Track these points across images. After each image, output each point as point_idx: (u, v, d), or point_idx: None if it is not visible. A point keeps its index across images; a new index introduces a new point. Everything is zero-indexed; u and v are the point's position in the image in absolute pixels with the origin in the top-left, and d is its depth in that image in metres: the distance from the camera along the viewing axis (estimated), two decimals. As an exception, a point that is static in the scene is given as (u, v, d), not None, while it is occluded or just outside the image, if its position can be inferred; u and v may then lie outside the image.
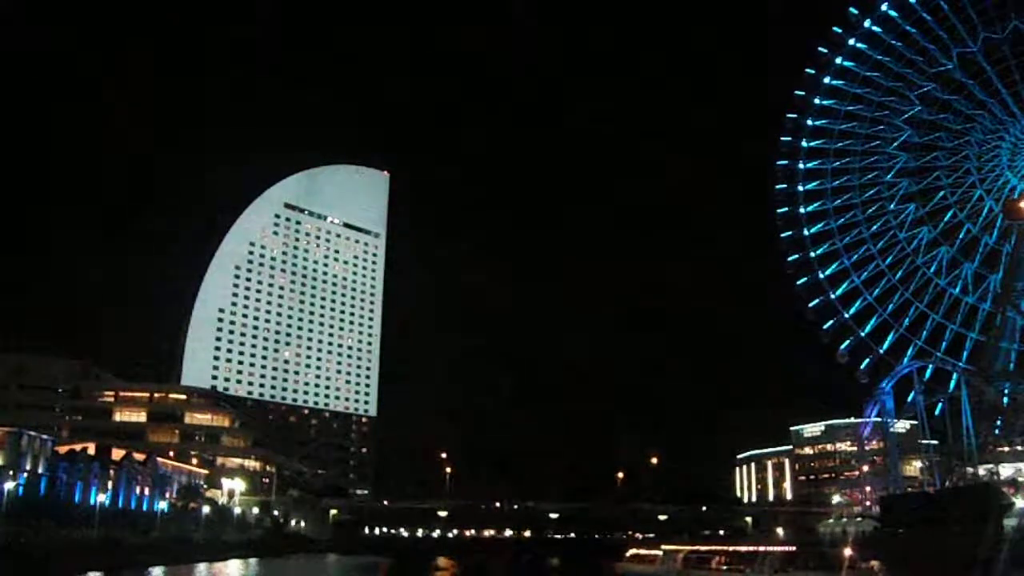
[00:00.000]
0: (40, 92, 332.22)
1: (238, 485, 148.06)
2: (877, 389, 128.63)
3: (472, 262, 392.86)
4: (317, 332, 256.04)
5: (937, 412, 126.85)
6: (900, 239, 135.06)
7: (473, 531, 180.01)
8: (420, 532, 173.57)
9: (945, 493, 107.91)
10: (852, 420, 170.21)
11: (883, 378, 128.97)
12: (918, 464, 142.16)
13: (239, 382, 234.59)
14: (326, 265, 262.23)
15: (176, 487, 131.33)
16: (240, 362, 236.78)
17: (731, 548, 79.60)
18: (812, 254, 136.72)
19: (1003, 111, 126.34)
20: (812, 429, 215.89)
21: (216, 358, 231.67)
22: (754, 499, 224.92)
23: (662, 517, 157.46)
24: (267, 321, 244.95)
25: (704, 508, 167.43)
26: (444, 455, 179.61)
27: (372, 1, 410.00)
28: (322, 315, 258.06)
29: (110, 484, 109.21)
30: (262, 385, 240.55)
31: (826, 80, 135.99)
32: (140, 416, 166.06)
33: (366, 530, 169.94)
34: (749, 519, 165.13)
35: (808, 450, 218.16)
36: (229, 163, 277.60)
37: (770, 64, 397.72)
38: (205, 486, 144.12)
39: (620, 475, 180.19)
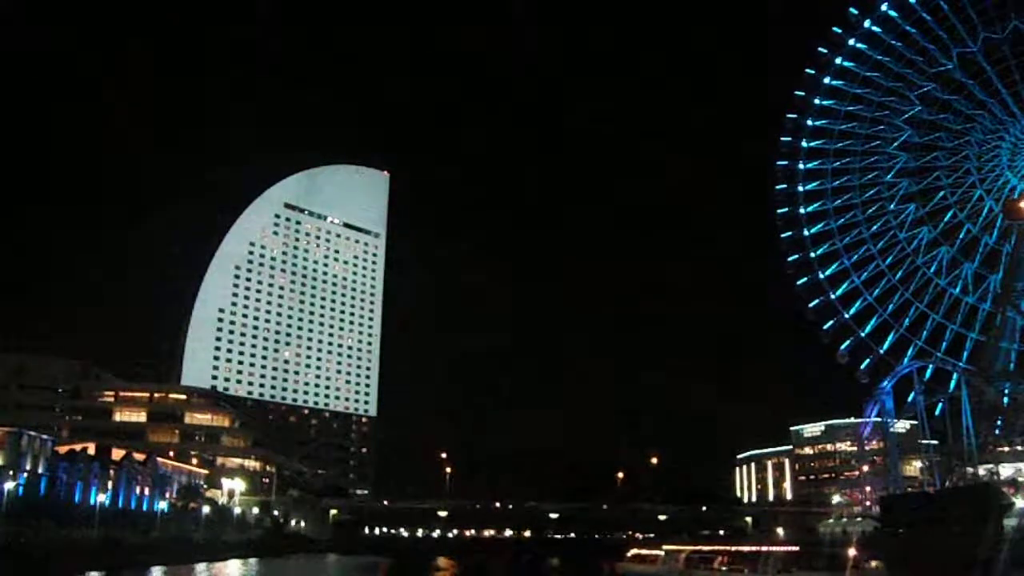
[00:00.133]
0: (40, 92, 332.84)
1: (238, 485, 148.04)
2: (877, 389, 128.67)
3: (472, 262, 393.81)
4: (317, 332, 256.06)
5: (937, 412, 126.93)
6: (900, 239, 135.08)
7: (473, 531, 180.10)
8: (420, 532, 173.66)
9: (945, 493, 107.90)
10: (852, 420, 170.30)
11: (883, 378, 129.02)
12: (918, 464, 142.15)
13: (239, 382, 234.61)
14: (326, 265, 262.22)
15: (176, 487, 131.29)
16: (240, 362, 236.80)
17: (734, 548, 79.34)
18: (812, 254, 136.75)
19: (1003, 111, 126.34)
20: (812, 429, 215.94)
21: (216, 358, 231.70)
22: (754, 499, 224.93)
23: (662, 517, 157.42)
24: (267, 321, 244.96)
25: (704, 508, 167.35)
26: (444, 455, 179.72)
27: (372, 1, 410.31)
28: (322, 315, 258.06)
29: (110, 484, 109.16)
30: (262, 385, 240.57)
31: (826, 80, 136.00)
32: (140, 416, 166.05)
33: (366, 530, 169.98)
34: (749, 519, 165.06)
35: (808, 450, 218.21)
36: (229, 163, 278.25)
37: (770, 64, 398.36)
38: (205, 486, 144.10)
39: (620, 475, 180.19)
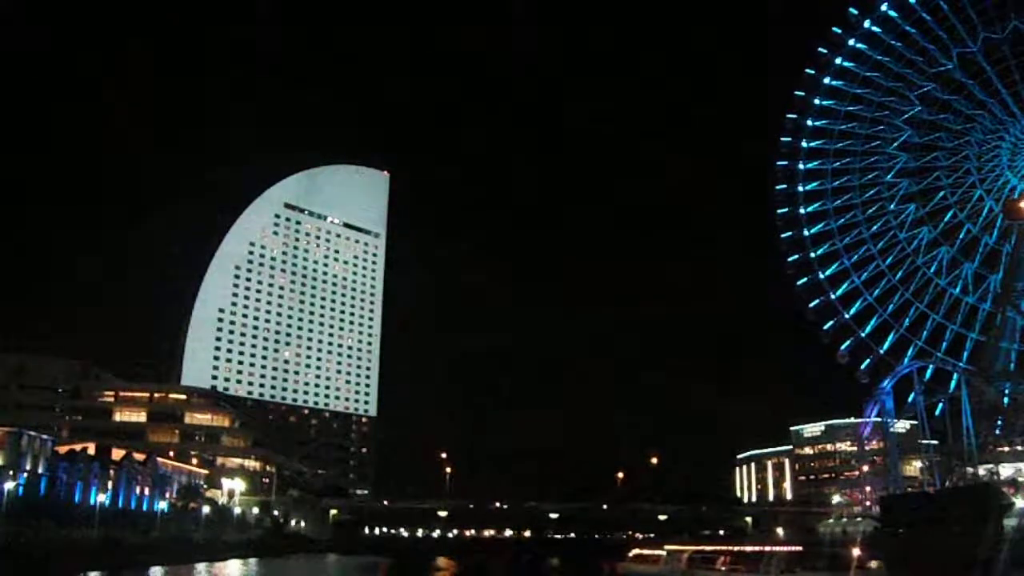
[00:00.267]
0: (40, 92, 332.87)
1: (238, 485, 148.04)
2: (877, 389, 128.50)
3: (472, 262, 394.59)
4: (317, 332, 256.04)
5: (937, 412, 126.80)
6: (900, 239, 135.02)
7: (473, 531, 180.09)
8: (420, 532, 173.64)
9: (945, 493, 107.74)
10: (852, 420, 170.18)
11: (883, 378, 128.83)
12: (918, 464, 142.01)
13: (239, 382, 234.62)
14: (326, 265, 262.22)
15: (176, 487, 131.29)
16: (240, 362, 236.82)
17: (736, 548, 79.14)
18: (812, 254, 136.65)
19: (1003, 111, 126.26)
20: (812, 429, 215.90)
21: (216, 358, 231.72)
22: (754, 499, 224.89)
23: (662, 517, 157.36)
24: (267, 321, 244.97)
25: (704, 508, 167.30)
26: (444, 455, 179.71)
27: (372, 1, 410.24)
28: (322, 315, 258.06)
29: (110, 484, 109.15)
30: (262, 385, 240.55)
31: (826, 80, 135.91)
32: (140, 416, 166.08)
33: (366, 530, 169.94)
34: (749, 519, 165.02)
35: (808, 450, 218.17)
36: (229, 163, 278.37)
37: (770, 64, 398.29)
38: (205, 486, 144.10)
39: (620, 475, 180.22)
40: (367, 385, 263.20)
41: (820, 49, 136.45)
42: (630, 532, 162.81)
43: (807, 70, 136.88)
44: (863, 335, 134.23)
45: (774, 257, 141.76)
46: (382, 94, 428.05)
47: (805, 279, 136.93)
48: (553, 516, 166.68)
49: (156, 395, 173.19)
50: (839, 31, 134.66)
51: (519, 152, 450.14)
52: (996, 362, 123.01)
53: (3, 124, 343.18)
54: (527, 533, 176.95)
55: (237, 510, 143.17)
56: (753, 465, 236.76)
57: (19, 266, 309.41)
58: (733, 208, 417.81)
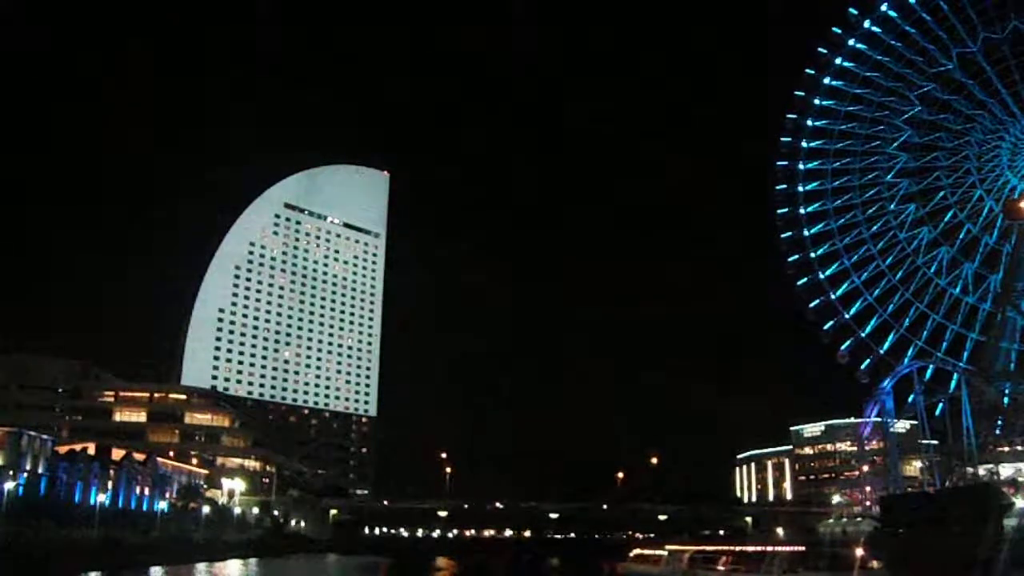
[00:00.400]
0: (40, 92, 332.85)
1: (238, 485, 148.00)
2: (877, 389, 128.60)
3: (472, 262, 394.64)
4: (317, 332, 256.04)
5: (937, 412, 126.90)
6: (900, 239, 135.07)
7: (473, 531, 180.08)
8: (420, 532, 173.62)
9: (945, 493, 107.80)
10: (852, 420, 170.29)
11: (883, 378, 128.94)
12: (918, 464, 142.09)
13: (239, 382, 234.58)
14: (326, 265, 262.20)
15: (176, 487, 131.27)
16: (240, 362, 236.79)
17: (738, 548, 78.83)
18: (812, 255, 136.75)
19: (1003, 111, 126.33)
20: (812, 429, 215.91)
21: (216, 358, 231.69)
22: (754, 499, 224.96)
23: (662, 517, 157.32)
24: (267, 321, 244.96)
25: (704, 508, 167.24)
26: (444, 455, 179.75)
27: (372, 1, 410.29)
28: (322, 315, 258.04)
29: (110, 484, 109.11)
30: (262, 385, 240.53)
31: (826, 80, 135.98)
32: (140, 416, 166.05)
33: (366, 530, 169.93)
34: (749, 519, 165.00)
35: (808, 450, 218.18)
36: (229, 163, 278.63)
37: (770, 64, 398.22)
38: (205, 486, 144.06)
39: (620, 475, 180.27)
40: (367, 385, 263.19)
41: (820, 49, 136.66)
42: (630, 532, 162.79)
43: (807, 70, 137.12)
44: (863, 335, 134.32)
45: (774, 257, 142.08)
46: (382, 94, 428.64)
47: (805, 279, 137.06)
48: (553, 516, 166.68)
49: (156, 395, 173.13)
50: (839, 31, 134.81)
51: (519, 152, 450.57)
52: (996, 362, 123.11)
53: (3, 124, 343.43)
54: (527, 533, 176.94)
55: (237, 510, 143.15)
56: (753, 465, 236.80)
57: (19, 266, 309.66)
58: (733, 208, 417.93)
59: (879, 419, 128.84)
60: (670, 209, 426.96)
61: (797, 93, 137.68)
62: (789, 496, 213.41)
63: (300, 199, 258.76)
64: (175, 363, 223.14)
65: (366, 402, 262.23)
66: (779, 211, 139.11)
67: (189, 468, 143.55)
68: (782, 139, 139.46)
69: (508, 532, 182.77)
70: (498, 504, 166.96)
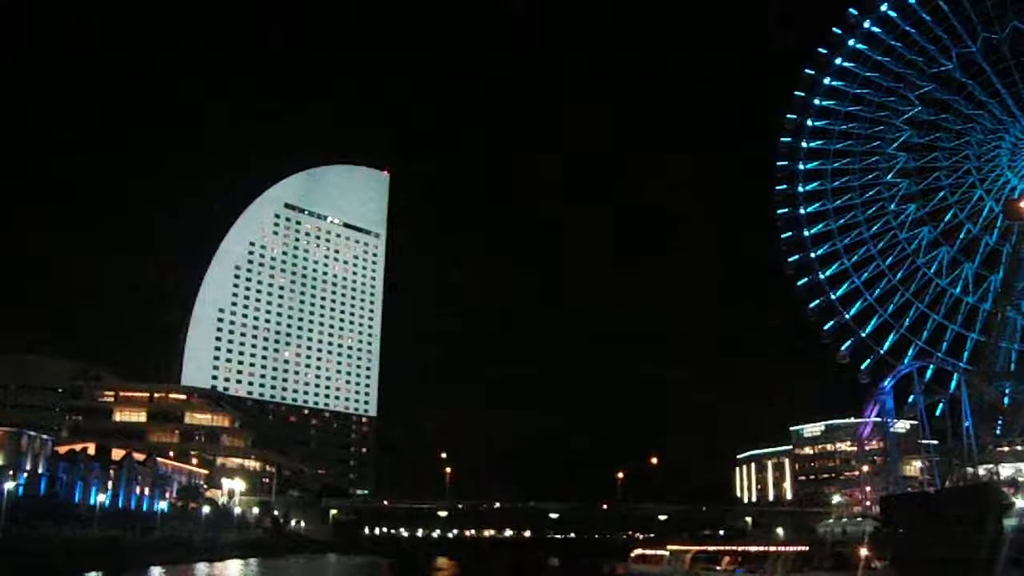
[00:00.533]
0: (40, 92, 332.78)
1: (238, 485, 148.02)
2: (877, 389, 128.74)
3: (472, 261, 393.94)
4: (317, 332, 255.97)
5: (937, 412, 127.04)
6: (900, 239, 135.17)
7: (473, 531, 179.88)
8: (420, 532, 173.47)
9: (945, 493, 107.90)
10: (852, 420, 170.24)
11: (883, 378, 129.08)
12: (918, 464, 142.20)
13: (239, 382, 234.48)
14: (326, 265, 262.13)
15: (176, 487, 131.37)
16: (240, 362, 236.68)
17: (740, 548, 78.93)
18: (812, 255, 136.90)
19: (1003, 111, 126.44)
20: (812, 429, 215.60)
21: (216, 358, 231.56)
22: (754, 499, 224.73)
23: (662, 517, 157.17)
24: (267, 321, 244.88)
25: (704, 508, 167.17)
26: (444, 455, 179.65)
27: (372, 1, 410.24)
28: (322, 315, 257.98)
29: (110, 484, 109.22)
30: (262, 385, 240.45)
31: (826, 81, 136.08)
32: (140, 416, 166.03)
33: (366, 530, 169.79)
34: (749, 519, 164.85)
35: (808, 450, 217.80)
36: (229, 163, 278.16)
37: (770, 64, 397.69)
38: (205, 486, 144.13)
39: (620, 475, 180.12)
40: (367, 385, 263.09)
41: (820, 49, 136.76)
42: (630, 532, 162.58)
43: (807, 70, 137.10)
44: (863, 335, 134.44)
45: (774, 258, 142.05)
46: (382, 94, 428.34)
47: (805, 279, 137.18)
48: (553, 516, 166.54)
49: (156, 395, 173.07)
50: (839, 31, 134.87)
51: (519, 151, 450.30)
52: (996, 362, 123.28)
53: (3, 124, 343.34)
54: (527, 533, 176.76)
55: (237, 510, 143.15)
56: (753, 465, 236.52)
57: (19, 266, 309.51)
58: (733, 208, 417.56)
59: (879, 419, 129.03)
60: (670, 209, 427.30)
61: (797, 93, 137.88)
62: (789, 496, 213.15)
63: (300, 199, 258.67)
64: (175, 363, 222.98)
65: (366, 402, 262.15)
66: (779, 211, 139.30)
67: (189, 468, 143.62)
68: (782, 139, 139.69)
69: (508, 532, 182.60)
70: (498, 504, 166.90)
